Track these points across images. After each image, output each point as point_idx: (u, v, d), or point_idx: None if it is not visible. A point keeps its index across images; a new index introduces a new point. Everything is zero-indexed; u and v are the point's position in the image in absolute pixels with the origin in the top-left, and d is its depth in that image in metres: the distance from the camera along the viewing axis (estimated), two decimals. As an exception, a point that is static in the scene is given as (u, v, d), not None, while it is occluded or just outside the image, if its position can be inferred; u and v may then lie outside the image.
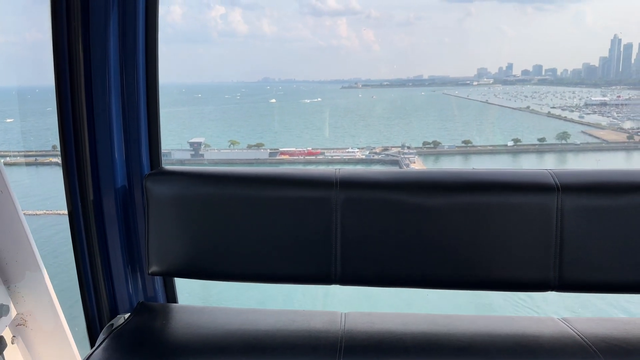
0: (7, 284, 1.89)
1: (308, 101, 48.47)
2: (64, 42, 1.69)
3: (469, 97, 46.93)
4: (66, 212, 1.84)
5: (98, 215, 1.83)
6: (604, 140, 27.47)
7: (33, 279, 1.83)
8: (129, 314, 1.80)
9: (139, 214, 1.91)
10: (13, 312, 1.91)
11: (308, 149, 26.18)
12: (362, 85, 57.72)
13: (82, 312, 1.89)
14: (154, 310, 1.83)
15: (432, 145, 26.58)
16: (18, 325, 1.95)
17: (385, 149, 26.25)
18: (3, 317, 1.85)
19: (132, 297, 1.94)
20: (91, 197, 1.80)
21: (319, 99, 49.62)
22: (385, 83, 60.46)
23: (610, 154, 25.83)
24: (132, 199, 1.90)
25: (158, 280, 1.99)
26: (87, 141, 1.77)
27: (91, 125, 1.76)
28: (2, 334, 1.87)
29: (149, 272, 1.79)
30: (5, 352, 1.86)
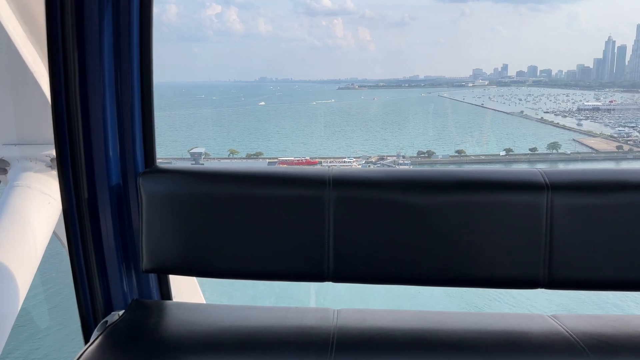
0: None
1: (315, 103, 47.30)
2: (57, 40, 1.69)
3: (464, 100, 47.32)
4: None
5: (92, 212, 1.83)
6: (594, 149, 28.17)
7: None
8: (123, 310, 1.80)
9: (133, 211, 1.90)
10: None
11: (306, 158, 26.81)
12: (359, 86, 57.97)
13: (77, 309, 1.92)
14: (148, 307, 1.83)
15: (426, 155, 27.18)
16: None
17: (381, 158, 26.88)
18: None
19: (127, 294, 1.94)
20: (86, 195, 1.81)
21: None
22: (381, 84, 60.45)
23: (599, 164, 26.49)
24: (126, 197, 1.90)
25: (152, 277, 1.98)
26: (82, 139, 1.77)
27: (85, 122, 1.76)
28: None
29: (144, 269, 1.79)
30: None
